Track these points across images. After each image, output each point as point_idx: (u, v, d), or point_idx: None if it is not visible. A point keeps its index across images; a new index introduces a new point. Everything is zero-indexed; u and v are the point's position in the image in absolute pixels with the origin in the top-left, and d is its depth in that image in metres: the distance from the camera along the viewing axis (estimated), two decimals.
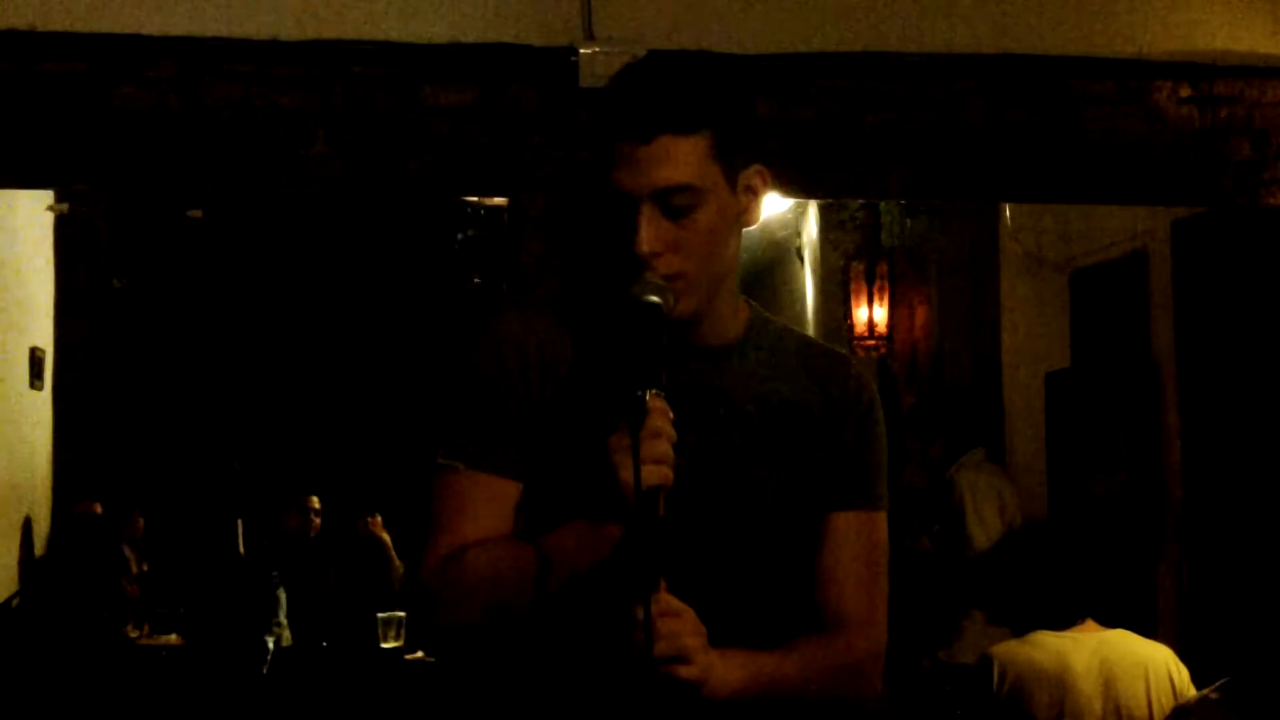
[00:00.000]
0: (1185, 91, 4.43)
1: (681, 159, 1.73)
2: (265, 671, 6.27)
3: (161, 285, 9.64)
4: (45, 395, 7.91)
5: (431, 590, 1.78)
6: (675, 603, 1.70)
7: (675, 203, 1.74)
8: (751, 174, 1.81)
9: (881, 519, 1.93)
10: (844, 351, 2.05)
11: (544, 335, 1.83)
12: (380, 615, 6.72)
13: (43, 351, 7.78)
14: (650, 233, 1.73)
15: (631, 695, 1.69)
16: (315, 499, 7.75)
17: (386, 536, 7.62)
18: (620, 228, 1.75)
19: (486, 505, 1.80)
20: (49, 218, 7.90)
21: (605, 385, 1.78)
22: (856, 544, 1.90)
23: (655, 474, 1.65)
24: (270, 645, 6.53)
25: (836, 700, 1.91)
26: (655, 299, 1.72)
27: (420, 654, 6.66)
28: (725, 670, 1.74)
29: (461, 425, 1.82)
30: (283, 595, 6.89)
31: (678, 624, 1.69)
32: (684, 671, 1.69)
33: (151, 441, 9.27)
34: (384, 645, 6.68)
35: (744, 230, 1.85)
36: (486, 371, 1.83)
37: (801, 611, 1.89)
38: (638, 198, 1.73)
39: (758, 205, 1.82)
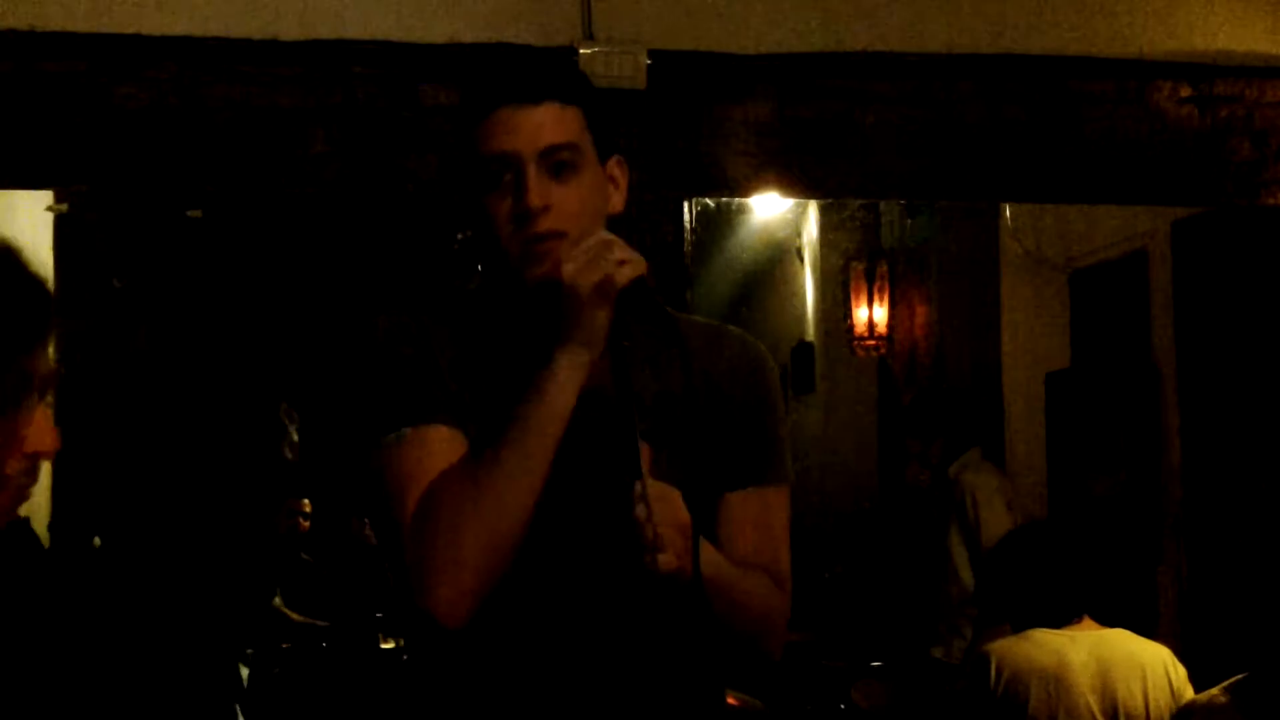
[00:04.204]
0: (1185, 91, 4.43)
1: (565, 122, 1.82)
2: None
3: (161, 285, 9.63)
4: None
5: (420, 554, 1.73)
6: (664, 487, 1.71)
7: (560, 158, 1.81)
8: (614, 163, 1.89)
9: (777, 494, 1.93)
10: (736, 330, 2.03)
11: (423, 328, 1.88)
12: (378, 615, 6.72)
13: None
14: (538, 188, 1.79)
15: (616, 581, 1.75)
16: (306, 502, 7.74)
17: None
18: (502, 192, 1.80)
19: (442, 453, 1.78)
20: (49, 218, 7.88)
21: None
22: (754, 519, 1.89)
23: (629, 272, 1.72)
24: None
25: (749, 644, 1.90)
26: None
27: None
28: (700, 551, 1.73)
29: (391, 402, 1.83)
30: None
31: (667, 509, 1.70)
32: (665, 560, 1.69)
33: (149, 441, 9.26)
34: (383, 646, 6.68)
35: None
36: (395, 350, 1.85)
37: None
38: (524, 158, 1.79)
39: (621, 195, 1.90)
